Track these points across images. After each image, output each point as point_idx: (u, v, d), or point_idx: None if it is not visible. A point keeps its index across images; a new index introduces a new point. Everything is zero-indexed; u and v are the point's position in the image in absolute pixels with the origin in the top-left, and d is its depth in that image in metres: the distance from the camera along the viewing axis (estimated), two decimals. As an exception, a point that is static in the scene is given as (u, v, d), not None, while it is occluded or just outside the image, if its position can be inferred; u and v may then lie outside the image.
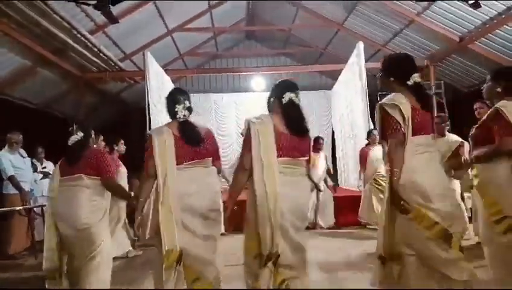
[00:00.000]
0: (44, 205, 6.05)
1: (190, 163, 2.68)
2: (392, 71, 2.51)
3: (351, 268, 4.06)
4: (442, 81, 9.02)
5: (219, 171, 2.92)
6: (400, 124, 2.31)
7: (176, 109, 2.73)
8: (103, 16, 5.77)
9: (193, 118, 2.85)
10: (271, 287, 2.33)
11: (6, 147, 5.69)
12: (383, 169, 6.01)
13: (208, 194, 2.68)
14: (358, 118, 7.83)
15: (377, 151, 5.90)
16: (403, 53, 2.78)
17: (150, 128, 6.98)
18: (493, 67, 3.05)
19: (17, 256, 5.44)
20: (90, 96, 9.71)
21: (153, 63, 7.71)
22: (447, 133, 4.91)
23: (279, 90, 2.61)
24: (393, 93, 2.42)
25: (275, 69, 11.72)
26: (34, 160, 6.31)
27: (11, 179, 5.49)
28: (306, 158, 2.58)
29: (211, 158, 2.78)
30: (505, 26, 6.77)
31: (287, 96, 2.54)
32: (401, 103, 2.32)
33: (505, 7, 6.44)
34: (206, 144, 2.75)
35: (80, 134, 3.19)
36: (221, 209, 2.76)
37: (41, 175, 6.36)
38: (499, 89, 2.65)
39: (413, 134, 2.31)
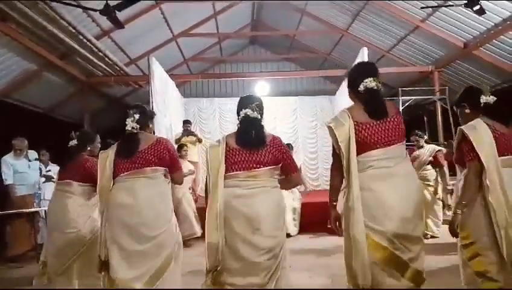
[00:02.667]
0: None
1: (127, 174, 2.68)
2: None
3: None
4: (446, 87, 9.01)
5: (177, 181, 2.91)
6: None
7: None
8: (109, 21, 5.82)
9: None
10: None
11: (12, 153, 5.78)
12: None
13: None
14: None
15: None
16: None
17: (154, 133, 7.00)
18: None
19: (18, 259, 5.45)
20: (95, 100, 9.77)
21: (157, 68, 7.74)
22: (424, 144, 5.77)
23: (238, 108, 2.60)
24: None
25: (279, 74, 11.78)
26: (39, 163, 6.35)
27: (9, 187, 5.64)
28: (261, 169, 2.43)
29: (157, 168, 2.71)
30: (509, 32, 6.76)
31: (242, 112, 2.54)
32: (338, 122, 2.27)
33: (509, 13, 6.44)
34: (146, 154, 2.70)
35: (75, 141, 3.42)
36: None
37: (43, 179, 6.39)
38: (467, 110, 2.60)
39: (360, 151, 2.20)
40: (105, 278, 2.62)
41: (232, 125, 11.29)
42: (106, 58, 7.82)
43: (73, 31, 6.44)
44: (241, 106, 2.57)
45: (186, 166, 5.89)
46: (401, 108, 9.72)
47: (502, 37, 6.98)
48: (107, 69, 8.30)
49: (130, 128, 2.73)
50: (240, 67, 12.86)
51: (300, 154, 10.42)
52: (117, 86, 9.55)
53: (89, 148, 3.48)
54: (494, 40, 7.16)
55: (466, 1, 5.73)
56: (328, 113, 11.74)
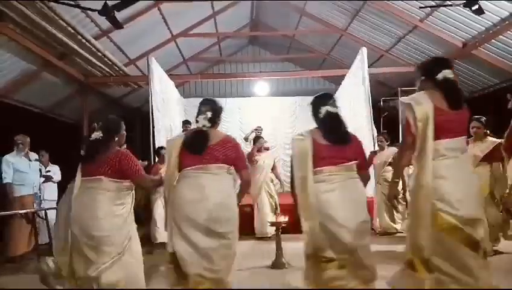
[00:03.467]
0: (49, 209, 6.11)
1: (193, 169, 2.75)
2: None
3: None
4: (445, 87, 8.99)
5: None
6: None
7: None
8: (108, 21, 5.81)
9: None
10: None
11: (14, 151, 5.74)
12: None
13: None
14: (362, 123, 7.82)
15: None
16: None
17: (153, 133, 7.00)
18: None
19: (17, 259, 5.44)
20: (94, 100, 9.76)
21: (157, 68, 7.74)
22: (386, 146, 6.42)
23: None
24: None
25: (278, 74, 11.78)
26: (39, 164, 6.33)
27: (7, 187, 5.53)
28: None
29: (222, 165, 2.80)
30: (508, 32, 6.76)
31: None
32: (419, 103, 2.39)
33: (508, 13, 6.43)
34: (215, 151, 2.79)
35: (99, 133, 2.95)
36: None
37: (43, 179, 6.38)
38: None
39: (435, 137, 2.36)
40: (173, 273, 2.70)
41: (231, 124, 11.37)
42: (105, 59, 7.81)
43: (72, 31, 6.43)
44: (319, 104, 2.73)
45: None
46: (400, 108, 9.73)
47: (500, 36, 6.98)
48: (106, 69, 8.29)
49: (201, 126, 2.80)
50: (239, 67, 12.85)
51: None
52: (116, 86, 9.54)
53: (116, 139, 3.03)
54: (493, 40, 7.16)
55: (465, 1, 5.73)
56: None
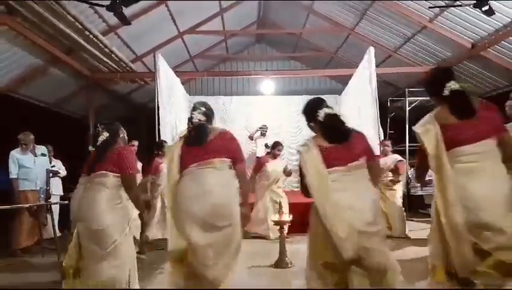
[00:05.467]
0: (54, 203, 6.15)
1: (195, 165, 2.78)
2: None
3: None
4: (453, 88, 8.92)
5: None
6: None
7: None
8: (115, 17, 5.82)
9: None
10: None
11: (19, 147, 5.85)
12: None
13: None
14: (368, 124, 7.77)
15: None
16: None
17: (159, 130, 7.00)
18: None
19: (20, 252, 5.50)
20: (100, 96, 9.79)
21: (163, 65, 7.74)
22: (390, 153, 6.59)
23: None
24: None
25: (285, 73, 11.75)
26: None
27: (13, 181, 5.69)
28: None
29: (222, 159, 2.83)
30: (518, 33, 6.69)
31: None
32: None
33: (518, 14, 6.37)
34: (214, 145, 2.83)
35: (106, 134, 3.15)
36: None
37: (51, 174, 6.41)
38: None
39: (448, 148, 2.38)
40: (175, 270, 2.74)
41: (236, 122, 11.37)
42: (112, 55, 7.82)
43: (80, 26, 6.44)
44: (315, 108, 2.69)
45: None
46: (407, 109, 9.68)
47: (510, 38, 6.90)
48: (113, 65, 8.30)
49: (197, 120, 2.88)
50: (245, 65, 12.82)
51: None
52: (122, 82, 9.55)
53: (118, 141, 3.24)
54: (502, 41, 7.09)
55: (475, 1, 5.67)
56: (334, 112, 11.69)
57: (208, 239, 2.67)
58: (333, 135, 2.61)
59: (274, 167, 6.60)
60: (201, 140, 2.82)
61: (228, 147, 2.86)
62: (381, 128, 7.43)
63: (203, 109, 2.94)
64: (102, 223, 2.86)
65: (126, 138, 3.39)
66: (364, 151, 2.64)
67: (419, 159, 2.62)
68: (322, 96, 3.05)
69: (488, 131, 2.39)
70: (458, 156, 2.37)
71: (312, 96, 3.05)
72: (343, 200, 2.42)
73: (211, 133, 2.87)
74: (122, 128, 3.33)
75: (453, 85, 2.44)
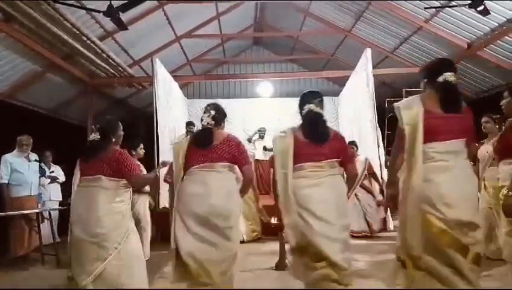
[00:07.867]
0: (53, 209, 6.12)
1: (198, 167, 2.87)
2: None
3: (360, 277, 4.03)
4: (450, 88, 8.94)
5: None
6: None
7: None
8: (113, 22, 5.84)
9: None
10: None
11: (15, 151, 5.63)
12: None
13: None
14: (366, 125, 7.80)
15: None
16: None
17: (157, 134, 6.98)
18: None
19: (18, 261, 5.35)
20: (99, 101, 9.78)
21: (161, 69, 7.75)
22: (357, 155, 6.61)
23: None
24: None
25: (282, 76, 11.77)
26: (42, 164, 6.32)
27: (2, 187, 5.35)
28: None
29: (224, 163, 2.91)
30: (514, 33, 6.73)
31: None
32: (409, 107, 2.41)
33: (514, 14, 6.40)
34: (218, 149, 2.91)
35: (96, 134, 3.10)
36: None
37: (49, 180, 6.39)
38: None
39: (425, 140, 2.36)
40: (176, 268, 2.80)
41: (234, 125, 11.34)
42: (110, 60, 7.84)
43: (77, 32, 6.45)
44: (304, 101, 2.84)
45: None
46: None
47: (506, 37, 6.93)
48: (111, 70, 8.32)
49: (205, 123, 2.97)
50: (243, 68, 12.85)
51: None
52: (120, 87, 9.57)
53: (113, 139, 3.14)
54: (498, 41, 7.12)
55: (470, 1, 5.70)
56: (332, 114, 11.74)
57: (207, 239, 2.75)
58: (310, 132, 2.71)
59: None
60: (206, 144, 2.91)
61: (232, 152, 2.93)
62: (379, 129, 7.45)
63: (213, 112, 3.01)
64: (102, 227, 2.82)
65: (121, 133, 3.26)
66: (339, 154, 2.75)
67: (397, 138, 2.62)
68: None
69: (464, 131, 2.46)
70: (433, 151, 2.37)
71: None
72: (312, 195, 2.60)
73: (217, 139, 2.95)
74: (118, 126, 3.23)
75: (450, 76, 2.45)
